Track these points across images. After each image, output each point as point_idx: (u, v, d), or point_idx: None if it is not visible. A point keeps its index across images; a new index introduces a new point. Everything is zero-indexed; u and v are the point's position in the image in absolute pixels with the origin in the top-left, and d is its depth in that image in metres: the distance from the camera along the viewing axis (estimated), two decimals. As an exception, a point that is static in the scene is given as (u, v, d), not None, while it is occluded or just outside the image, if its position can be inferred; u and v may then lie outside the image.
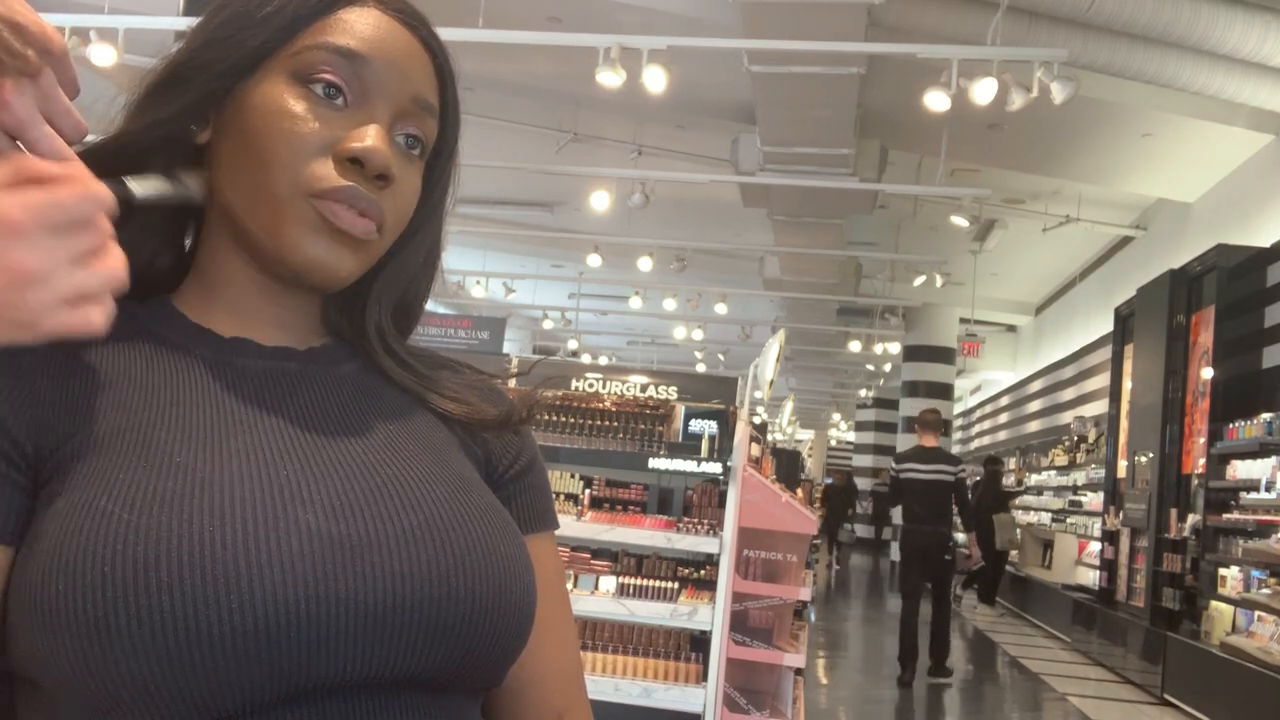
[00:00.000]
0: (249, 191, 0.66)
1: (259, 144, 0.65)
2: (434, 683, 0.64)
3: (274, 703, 0.57)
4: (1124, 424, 8.84)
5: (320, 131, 0.65)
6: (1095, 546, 9.91)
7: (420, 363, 0.78)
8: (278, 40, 0.67)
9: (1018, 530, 12.28)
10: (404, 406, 0.74)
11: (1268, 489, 6.15)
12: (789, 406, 15.30)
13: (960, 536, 9.24)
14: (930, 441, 7.28)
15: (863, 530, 21.55)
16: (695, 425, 3.91)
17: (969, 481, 7.87)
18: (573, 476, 3.73)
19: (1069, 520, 11.57)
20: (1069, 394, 12.95)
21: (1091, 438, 11.26)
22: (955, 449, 19.07)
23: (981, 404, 20.10)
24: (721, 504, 3.55)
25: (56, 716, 0.57)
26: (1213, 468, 6.90)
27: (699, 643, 3.46)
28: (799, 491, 7.02)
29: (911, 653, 6.97)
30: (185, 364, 0.67)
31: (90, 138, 0.66)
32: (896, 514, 7.89)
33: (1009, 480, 14.24)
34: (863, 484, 20.84)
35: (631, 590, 3.49)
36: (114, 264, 0.55)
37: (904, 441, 15.62)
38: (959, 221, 8.70)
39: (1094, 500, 10.50)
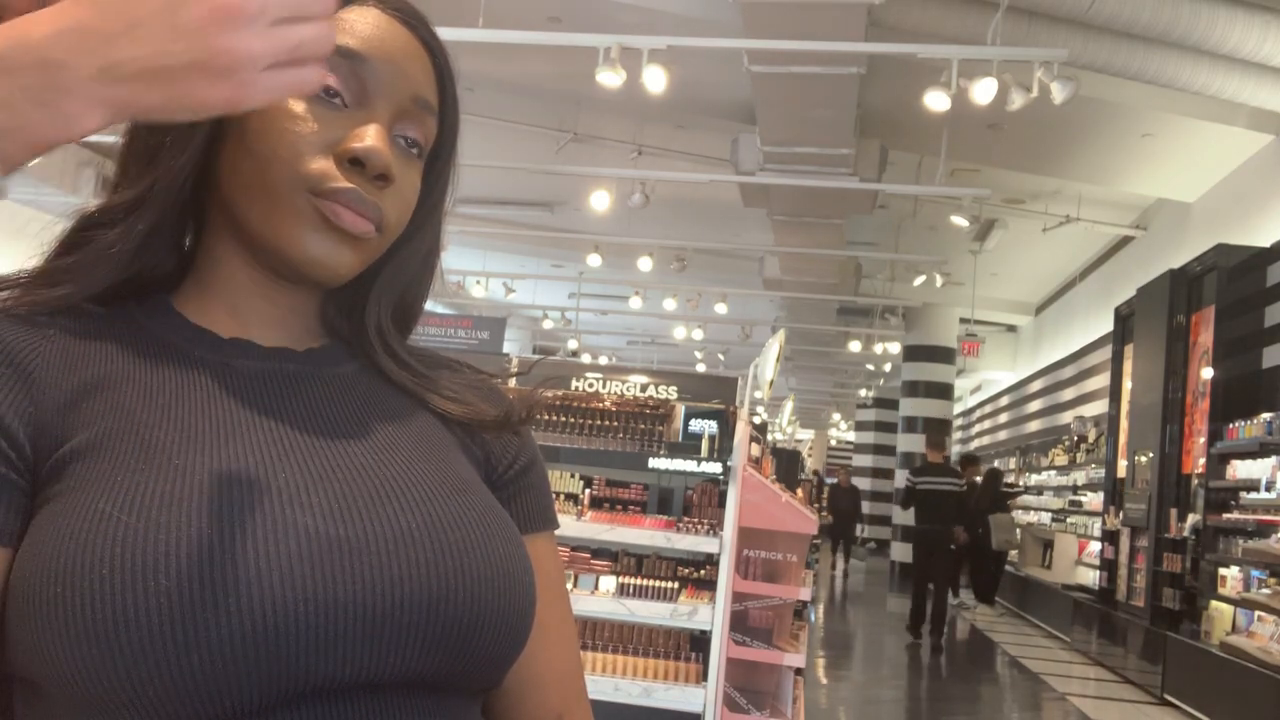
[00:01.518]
0: (249, 190, 0.66)
1: (259, 145, 0.65)
2: (434, 684, 0.64)
3: (273, 705, 0.57)
4: (1124, 424, 8.84)
5: (320, 132, 0.65)
6: (1095, 546, 9.92)
7: (420, 363, 0.78)
8: None
9: (1016, 531, 12.28)
10: (403, 407, 0.74)
11: (1268, 489, 6.15)
12: (789, 406, 15.31)
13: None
14: (937, 458, 9.51)
15: (868, 531, 21.48)
16: (695, 425, 3.91)
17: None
18: (573, 476, 3.73)
19: (1069, 520, 11.58)
20: (1069, 394, 12.95)
21: (1091, 438, 11.27)
22: (955, 449, 19.08)
23: (981, 404, 20.09)
24: (721, 504, 3.55)
25: (55, 718, 0.57)
26: (1213, 468, 6.90)
27: (699, 643, 3.46)
28: (799, 491, 7.03)
29: (918, 620, 9.01)
30: (185, 366, 0.67)
31: (104, 139, 0.65)
32: (899, 514, 9.63)
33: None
34: (863, 484, 20.78)
35: (631, 590, 3.49)
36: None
37: (904, 441, 15.78)
38: (959, 221, 8.70)
39: (1094, 500, 10.50)
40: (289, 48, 0.48)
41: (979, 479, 12.41)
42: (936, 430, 10.14)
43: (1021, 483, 14.41)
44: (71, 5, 0.47)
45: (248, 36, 0.46)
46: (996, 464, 14.80)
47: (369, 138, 0.65)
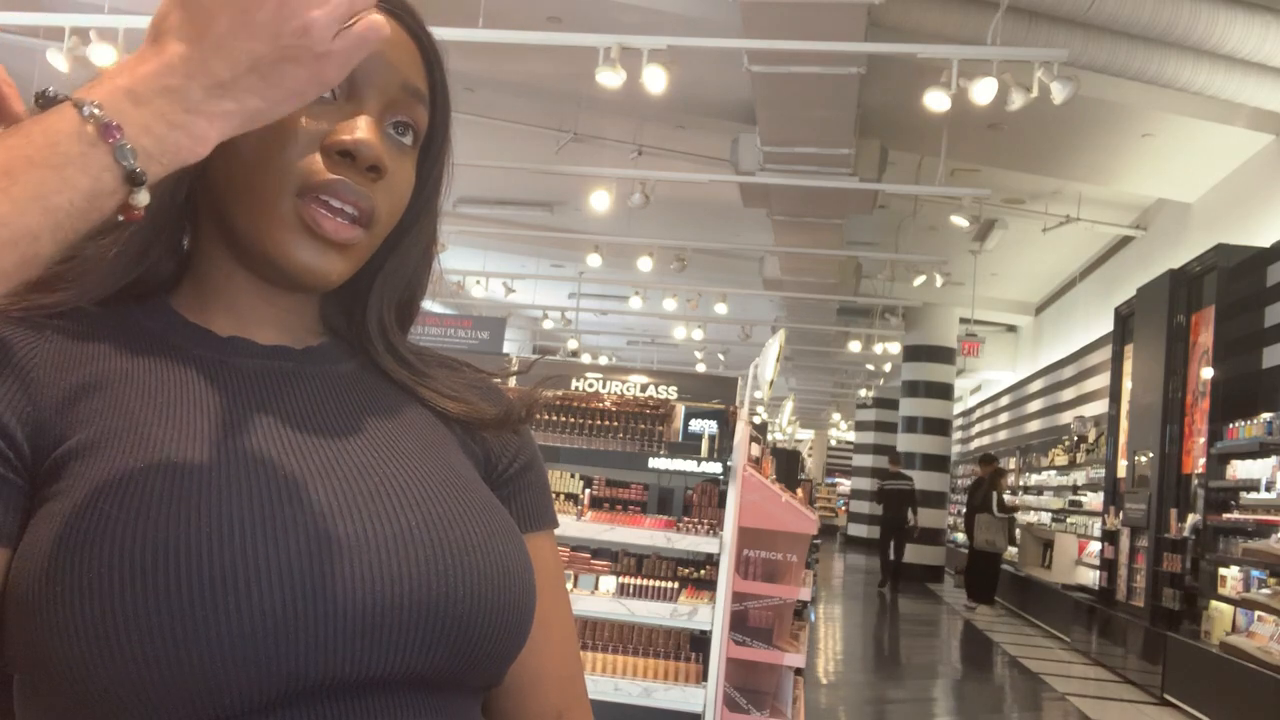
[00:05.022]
0: (238, 193, 0.65)
1: (247, 143, 0.63)
2: (434, 682, 0.63)
3: (273, 703, 0.57)
4: (1124, 424, 8.83)
5: (308, 126, 0.64)
6: (1095, 546, 9.91)
7: (419, 361, 0.78)
8: None
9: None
10: (402, 405, 0.74)
11: (1268, 489, 6.15)
12: (789, 406, 15.33)
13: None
14: (895, 469, 14.72)
15: (866, 532, 21.45)
16: (695, 425, 3.91)
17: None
18: (573, 476, 3.73)
19: (1069, 520, 11.57)
20: (1069, 394, 12.94)
21: (1091, 438, 11.26)
22: (955, 449, 19.11)
23: (981, 404, 20.08)
24: (721, 504, 3.55)
25: (55, 717, 0.57)
26: (1213, 468, 6.90)
27: (699, 643, 3.46)
28: (799, 491, 7.04)
29: (886, 575, 13.96)
30: (183, 364, 0.67)
31: None
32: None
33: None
34: (864, 484, 20.79)
35: (631, 590, 3.49)
36: None
37: (904, 442, 15.94)
38: (959, 221, 8.69)
39: (1094, 500, 10.49)
40: (345, 3, 0.53)
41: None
42: (894, 454, 15.23)
43: (1021, 482, 14.41)
44: (162, 42, 0.53)
45: (308, 10, 0.51)
46: (998, 464, 14.79)
47: (359, 130, 0.65)
